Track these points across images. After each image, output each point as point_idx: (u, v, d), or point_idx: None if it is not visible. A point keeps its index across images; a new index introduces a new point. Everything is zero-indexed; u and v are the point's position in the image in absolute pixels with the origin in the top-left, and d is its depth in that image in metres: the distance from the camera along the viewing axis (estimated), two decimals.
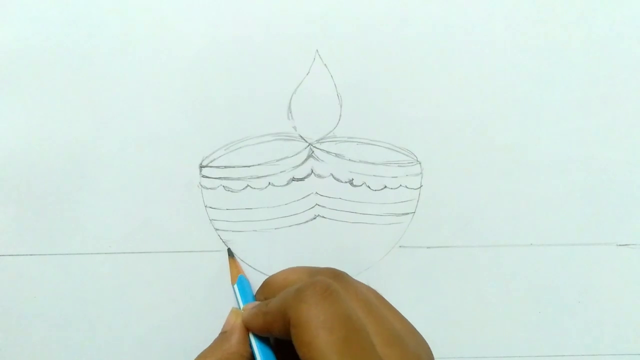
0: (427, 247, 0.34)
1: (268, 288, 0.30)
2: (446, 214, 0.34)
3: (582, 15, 0.34)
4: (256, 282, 0.34)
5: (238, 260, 0.33)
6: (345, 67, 0.33)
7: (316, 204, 0.34)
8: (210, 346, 0.27)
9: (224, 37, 0.33)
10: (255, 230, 0.34)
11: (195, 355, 0.28)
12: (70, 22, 0.33)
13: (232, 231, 0.34)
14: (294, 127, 0.34)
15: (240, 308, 0.30)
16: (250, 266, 0.34)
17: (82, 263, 0.34)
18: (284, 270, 0.30)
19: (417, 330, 0.26)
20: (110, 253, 0.34)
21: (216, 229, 0.34)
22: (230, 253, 0.33)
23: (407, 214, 0.34)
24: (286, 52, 0.33)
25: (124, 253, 0.34)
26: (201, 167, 0.34)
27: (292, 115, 0.34)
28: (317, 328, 0.22)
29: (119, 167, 0.33)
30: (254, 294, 0.31)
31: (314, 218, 0.34)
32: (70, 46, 0.33)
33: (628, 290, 0.35)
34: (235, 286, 0.32)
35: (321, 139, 0.34)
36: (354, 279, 0.27)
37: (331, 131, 0.34)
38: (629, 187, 0.34)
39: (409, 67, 0.34)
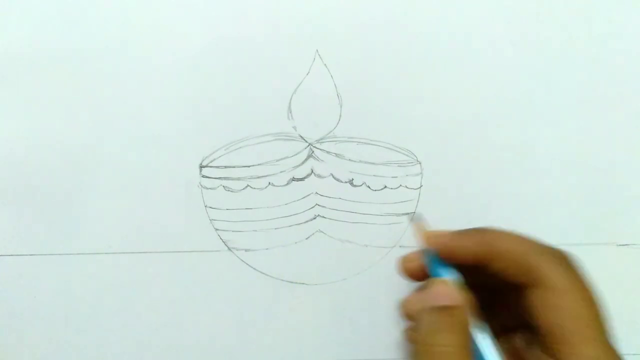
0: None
1: (485, 232, 0.26)
2: (446, 214, 0.34)
3: (582, 15, 0.34)
4: (257, 283, 0.34)
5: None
6: (345, 67, 0.33)
7: (316, 204, 0.34)
8: (431, 325, 0.22)
9: (224, 37, 0.33)
10: (255, 230, 0.34)
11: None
12: (71, 23, 0.33)
13: (232, 231, 0.34)
14: (294, 127, 0.34)
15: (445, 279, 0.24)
16: (250, 266, 0.34)
17: (82, 263, 0.34)
18: (507, 231, 0.26)
19: None
20: (110, 253, 0.34)
21: (216, 229, 0.34)
22: (416, 218, 0.27)
23: (407, 214, 0.34)
24: (286, 52, 0.33)
25: (124, 253, 0.34)
26: (201, 167, 0.34)
27: (292, 115, 0.34)
28: (576, 296, 0.22)
29: (119, 167, 0.33)
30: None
31: (314, 218, 0.34)
32: (71, 46, 0.33)
33: (628, 290, 0.35)
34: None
35: (321, 139, 0.34)
36: None
37: (331, 131, 0.34)
38: (629, 187, 0.34)
39: (409, 67, 0.34)
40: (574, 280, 0.23)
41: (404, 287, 0.35)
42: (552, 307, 0.22)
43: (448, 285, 0.23)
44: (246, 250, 0.34)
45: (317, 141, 0.34)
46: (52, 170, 0.33)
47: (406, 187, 0.34)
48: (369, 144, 0.34)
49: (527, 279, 0.23)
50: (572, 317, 0.22)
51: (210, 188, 0.34)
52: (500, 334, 0.24)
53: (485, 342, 0.22)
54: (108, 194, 0.34)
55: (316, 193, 0.34)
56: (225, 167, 0.34)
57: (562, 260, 0.23)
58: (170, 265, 0.34)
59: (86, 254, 0.34)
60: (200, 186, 0.34)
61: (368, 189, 0.34)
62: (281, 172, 0.34)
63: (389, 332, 0.33)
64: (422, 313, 0.23)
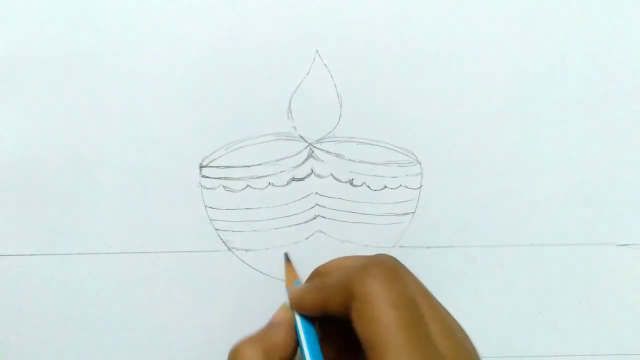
0: (427, 247, 0.34)
1: (320, 274, 0.29)
2: (446, 214, 0.34)
3: (582, 15, 0.34)
4: (256, 282, 0.34)
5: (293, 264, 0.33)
6: (345, 67, 0.33)
7: (316, 204, 0.34)
8: (255, 334, 0.26)
9: (224, 38, 0.33)
10: (255, 230, 0.34)
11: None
12: (71, 23, 0.33)
13: (232, 231, 0.34)
14: (294, 127, 0.34)
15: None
16: (250, 266, 0.34)
17: (82, 263, 0.34)
18: (334, 259, 0.29)
19: (463, 329, 0.26)
20: (110, 253, 0.34)
21: (216, 229, 0.34)
22: (287, 258, 0.32)
23: (407, 214, 0.34)
24: (286, 52, 0.33)
25: (124, 253, 0.34)
26: (201, 167, 0.34)
27: (292, 115, 0.34)
28: (382, 303, 0.22)
29: (119, 167, 0.33)
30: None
31: (314, 218, 0.34)
32: (71, 47, 0.33)
33: (628, 290, 0.35)
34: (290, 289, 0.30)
35: (321, 139, 0.34)
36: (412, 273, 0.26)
37: (331, 131, 0.34)
38: (629, 187, 0.34)
39: (408, 67, 0.34)
40: (384, 289, 0.22)
41: None
42: (363, 317, 0.22)
43: (283, 309, 0.28)
44: (246, 250, 0.34)
45: (317, 141, 0.34)
46: (52, 170, 0.33)
47: (406, 187, 0.34)
48: (369, 144, 0.34)
49: (348, 299, 0.23)
50: (380, 325, 0.22)
51: (210, 188, 0.34)
52: None
53: (305, 336, 0.26)
54: (108, 194, 0.34)
55: (316, 193, 0.34)
56: (225, 167, 0.34)
57: (376, 270, 0.23)
58: (170, 265, 0.34)
59: (86, 254, 0.34)
60: (200, 186, 0.34)
61: (368, 189, 0.34)
62: (281, 172, 0.34)
63: None
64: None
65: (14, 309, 0.34)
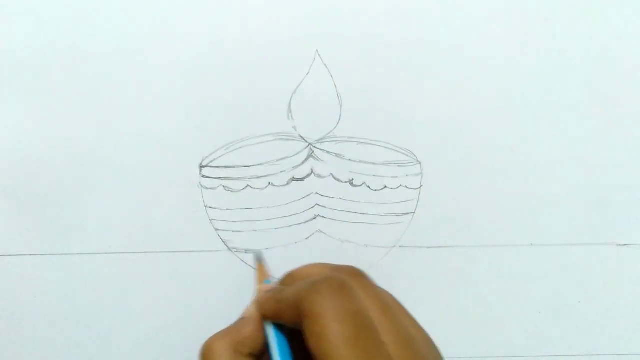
0: (427, 247, 0.34)
1: (290, 279, 0.30)
2: (446, 214, 0.34)
3: (582, 15, 0.34)
4: None
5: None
6: (345, 67, 0.33)
7: (316, 204, 0.34)
8: (226, 329, 0.27)
9: (224, 38, 0.33)
10: (255, 230, 0.34)
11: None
12: (71, 23, 0.33)
13: (232, 231, 0.34)
14: (294, 127, 0.34)
15: None
16: (250, 266, 0.34)
17: (82, 263, 0.34)
18: (308, 265, 0.30)
19: (431, 339, 0.26)
20: (110, 253, 0.34)
21: (216, 229, 0.34)
22: (259, 258, 0.33)
23: (407, 214, 0.34)
24: (286, 52, 0.33)
25: (124, 253, 0.34)
26: (201, 167, 0.34)
27: (292, 115, 0.34)
28: (328, 320, 0.22)
29: (119, 167, 0.33)
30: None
31: (314, 218, 0.34)
32: (71, 46, 0.33)
33: (628, 290, 0.35)
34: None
35: (321, 139, 0.34)
36: (373, 281, 0.27)
37: (331, 131, 0.34)
38: (629, 187, 0.34)
39: (409, 67, 0.34)
40: (329, 305, 0.23)
41: (404, 287, 0.35)
42: (311, 334, 0.22)
43: (254, 304, 0.28)
44: (246, 250, 0.34)
45: (317, 141, 0.34)
46: (52, 170, 0.33)
47: (406, 187, 0.34)
48: (369, 144, 0.34)
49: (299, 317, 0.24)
50: (326, 341, 0.22)
51: (210, 188, 0.34)
52: None
53: (274, 333, 0.26)
54: (108, 194, 0.34)
55: (316, 193, 0.34)
56: (225, 167, 0.34)
57: (323, 286, 0.23)
58: (170, 265, 0.34)
59: (86, 254, 0.34)
60: (200, 186, 0.34)
61: (368, 189, 0.34)
62: (281, 172, 0.34)
63: None
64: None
65: (14, 309, 0.34)
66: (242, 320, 0.28)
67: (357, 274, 0.26)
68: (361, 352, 0.22)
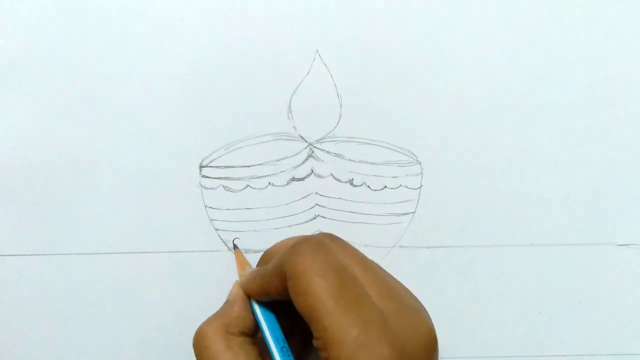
0: (427, 247, 0.34)
1: (268, 257, 0.30)
2: (446, 214, 0.34)
3: (582, 15, 0.34)
4: None
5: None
6: (345, 67, 0.33)
7: (316, 204, 0.34)
8: (213, 314, 0.28)
9: (224, 37, 0.33)
10: (255, 230, 0.34)
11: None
12: (71, 23, 0.33)
13: (232, 231, 0.34)
14: (294, 127, 0.34)
15: None
16: (250, 266, 0.34)
17: (82, 263, 0.34)
18: (280, 241, 0.30)
19: (410, 291, 0.26)
20: (110, 253, 0.34)
21: (216, 229, 0.34)
22: (236, 246, 0.33)
23: (407, 214, 0.34)
24: (286, 52, 0.33)
25: (124, 253, 0.34)
26: (201, 167, 0.34)
27: (292, 115, 0.34)
28: (311, 276, 0.23)
29: (119, 167, 0.33)
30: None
31: (314, 218, 0.34)
32: (70, 46, 0.33)
33: (628, 290, 0.35)
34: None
35: (321, 139, 0.34)
36: (348, 243, 0.27)
37: (331, 131, 0.34)
38: (629, 187, 0.34)
39: (408, 67, 0.34)
40: (310, 262, 0.23)
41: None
42: (296, 293, 0.23)
43: (236, 286, 0.29)
44: (246, 250, 0.34)
45: (317, 141, 0.34)
46: (52, 170, 0.33)
47: (406, 187, 0.34)
48: (369, 144, 0.34)
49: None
50: (311, 296, 0.22)
51: (210, 188, 0.34)
52: None
53: (259, 309, 0.27)
54: (108, 194, 0.34)
55: (316, 193, 0.34)
56: (225, 167, 0.34)
57: (302, 246, 0.24)
58: (170, 265, 0.34)
59: (86, 254, 0.34)
60: (200, 186, 0.34)
61: (368, 189, 0.34)
62: (281, 172, 0.34)
63: None
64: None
65: (14, 309, 0.34)
66: (227, 304, 0.28)
67: (332, 237, 0.27)
68: (347, 303, 0.22)
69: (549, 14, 0.34)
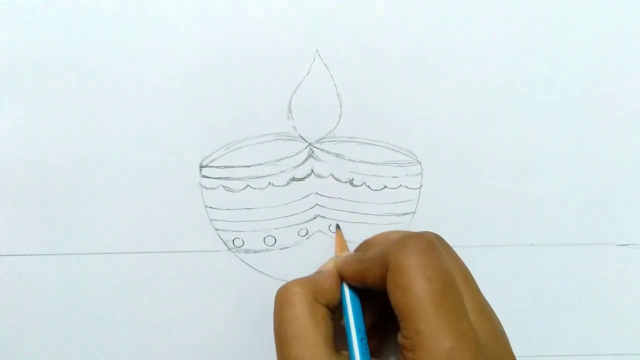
0: None
1: (366, 246, 0.30)
2: (446, 214, 0.34)
3: (582, 15, 0.34)
4: (257, 283, 0.34)
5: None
6: (345, 67, 0.33)
7: (316, 204, 0.34)
8: (303, 278, 0.27)
9: (224, 37, 0.33)
10: (255, 230, 0.34)
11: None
12: (71, 23, 0.33)
13: (232, 231, 0.34)
14: (294, 127, 0.34)
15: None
16: (250, 266, 0.34)
17: (82, 263, 0.34)
18: (381, 232, 0.30)
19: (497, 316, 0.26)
20: (110, 253, 0.34)
21: (216, 229, 0.34)
22: (338, 226, 0.33)
23: (407, 214, 0.34)
24: (286, 52, 0.33)
25: (124, 253, 0.34)
26: (201, 167, 0.34)
27: (292, 115, 0.34)
28: (416, 274, 0.22)
29: (119, 167, 0.33)
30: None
31: (314, 218, 0.34)
32: (71, 46, 0.33)
33: (628, 290, 0.35)
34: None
35: (321, 139, 0.34)
36: (453, 249, 0.26)
37: (331, 131, 0.34)
38: (629, 187, 0.34)
39: (408, 67, 0.34)
40: (418, 261, 0.23)
41: None
42: (395, 287, 0.22)
43: (332, 261, 0.29)
44: (246, 250, 0.34)
45: (317, 141, 0.34)
46: (52, 170, 0.33)
47: (406, 187, 0.34)
48: (369, 144, 0.34)
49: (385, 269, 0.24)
50: (411, 294, 0.22)
51: (210, 188, 0.34)
52: None
53: (348, 292, 0.27)
54: (108, 194, 0.34)
55: (316, 193, 0.34)
56: (225, 167, 0.34)
57: (412, 242, 0.23)
58: (170, 265, 0.34)
59: (86, 254, 0.34)
60: (200, 186, 0.34)
61: (368, 189, 0.34)
62: (281, 172, 0.34)
63: None
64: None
65: (14, 309, 0.34)
66: (320, 274, 0.28)
67: (440, 238, 0.26)
68: (447, 312, 0.21)
69: (548, 14, 0.34)
